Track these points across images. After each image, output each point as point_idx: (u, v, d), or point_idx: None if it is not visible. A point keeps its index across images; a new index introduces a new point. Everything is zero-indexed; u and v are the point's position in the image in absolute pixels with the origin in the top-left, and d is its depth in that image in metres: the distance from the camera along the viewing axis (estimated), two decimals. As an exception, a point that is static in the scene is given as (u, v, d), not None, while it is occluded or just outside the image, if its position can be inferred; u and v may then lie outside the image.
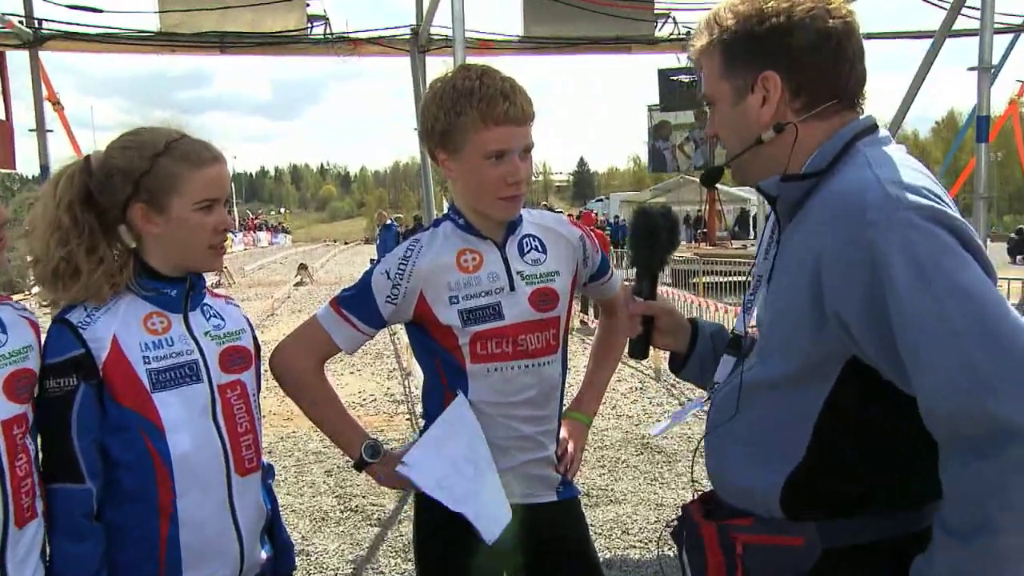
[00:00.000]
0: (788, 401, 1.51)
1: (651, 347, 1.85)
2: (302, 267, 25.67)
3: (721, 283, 16.03)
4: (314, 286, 23.56)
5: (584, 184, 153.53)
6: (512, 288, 2.10)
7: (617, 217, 40.30)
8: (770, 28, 1.50)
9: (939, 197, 1.38)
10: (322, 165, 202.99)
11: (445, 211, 2.21)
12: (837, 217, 1.40)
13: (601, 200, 59.85)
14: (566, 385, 2.25)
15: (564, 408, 2.31)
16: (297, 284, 23.69)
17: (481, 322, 2.06)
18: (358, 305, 2.10)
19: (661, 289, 1.88)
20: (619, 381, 9.17)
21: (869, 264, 1.34)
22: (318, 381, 2.17)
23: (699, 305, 10.99)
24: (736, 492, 1.59)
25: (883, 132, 1.55)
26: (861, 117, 1.55)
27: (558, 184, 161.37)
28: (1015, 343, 1.27)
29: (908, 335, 1.31)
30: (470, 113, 1.97)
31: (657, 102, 21.20)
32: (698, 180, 1.66)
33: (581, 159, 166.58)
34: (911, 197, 1.35)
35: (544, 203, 18.68)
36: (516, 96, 1.99)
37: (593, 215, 33.73)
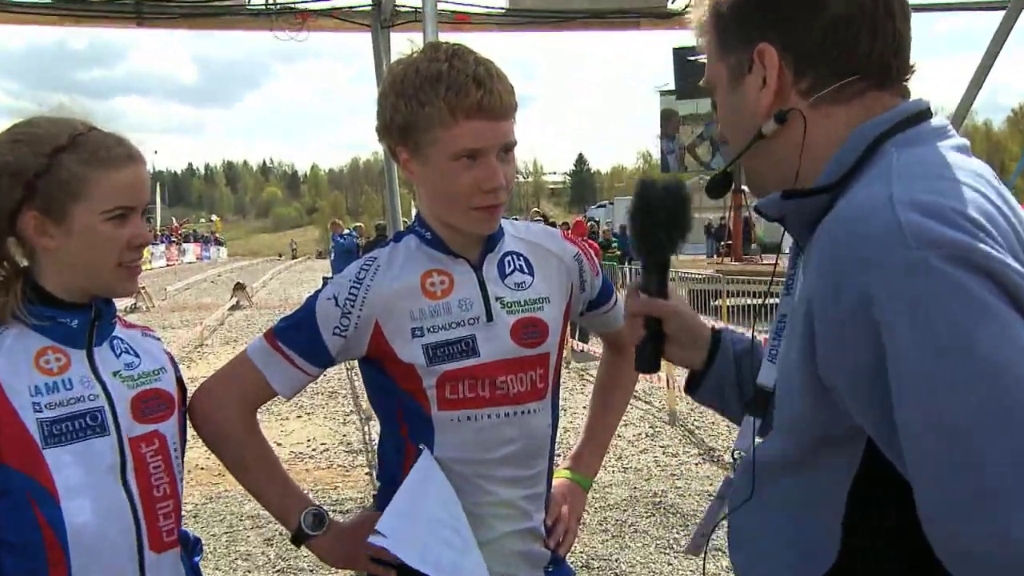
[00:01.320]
0: (805, 489, 1.37)
1: (661, 359, 1.76)
2: (239, 287, 25.67)
3: (750, 306, 16.10)
4: (253, 310, 23.55)
5: (583, 186, 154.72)
6: (490, 318, 2.08)
7: (623, 227, 40.42)
8: None
9: (981, 226, 1.17)
10: (264, 162, 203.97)
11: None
12: (831, 254, 1.24)
13: (604, 206, 60.08)
14: (559, 432, 2.23)
15: (557, 465, 2.29)
16: (233, 307, 23.64)
17: (451, 360, 2.04)
18: (299, 338, 2.07)
19: None
20: (625, 425, 9.15)
21: (864, 323, 1.17)
22: (246, 432, 2.14)
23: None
24: None
25: (937, 122, 1.39)
26: (903, 103, 1.38)
27: (552, 186, 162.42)
28: None
29: (907, 421, 1.15)
30: (436, 104, 1.95)
31: (670, 86, 21.25)
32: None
33: (580, 156, 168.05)
34: (933, 227, 1.15)
35: (536, 210, 18.71)
36: (493, 83, 1.98)
37: (586, 224, 33.70)
